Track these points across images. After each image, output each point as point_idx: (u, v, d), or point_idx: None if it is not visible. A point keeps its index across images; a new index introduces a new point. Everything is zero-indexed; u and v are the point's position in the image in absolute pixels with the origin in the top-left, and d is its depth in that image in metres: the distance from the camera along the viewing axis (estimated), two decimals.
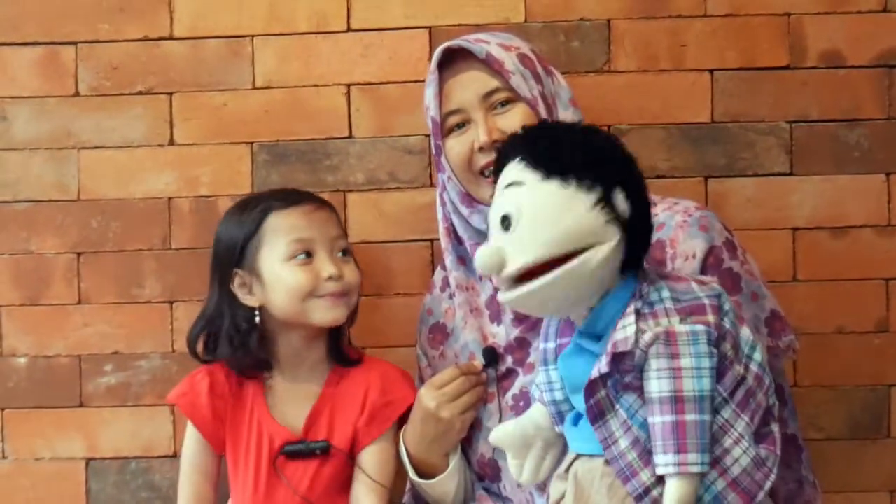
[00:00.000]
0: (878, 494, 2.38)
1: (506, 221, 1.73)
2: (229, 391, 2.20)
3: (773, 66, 2.38)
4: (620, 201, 1.73)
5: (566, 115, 2.10)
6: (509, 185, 1.76)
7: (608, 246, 1.72)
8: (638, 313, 1.72)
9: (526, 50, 2.12)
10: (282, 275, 2.14)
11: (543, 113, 2.07)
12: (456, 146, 2.10)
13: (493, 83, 2.07)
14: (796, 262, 2.37)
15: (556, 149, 1.75)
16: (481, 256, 1.73)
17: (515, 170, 1.77)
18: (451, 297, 2.21)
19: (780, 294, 2.12)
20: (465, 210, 2.14)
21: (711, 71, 2.38)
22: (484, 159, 2.08)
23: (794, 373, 2.35)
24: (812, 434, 2.34)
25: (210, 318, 2.21)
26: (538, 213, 1.71)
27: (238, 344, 2.17)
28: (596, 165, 1.73)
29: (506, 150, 1.82)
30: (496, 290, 2.10)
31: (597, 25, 2.39)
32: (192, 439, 2.21)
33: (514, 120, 2.06)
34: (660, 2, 2.38)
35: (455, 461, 2.12)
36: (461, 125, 2.10)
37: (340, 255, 2.17)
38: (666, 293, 1.75)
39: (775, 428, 1.78)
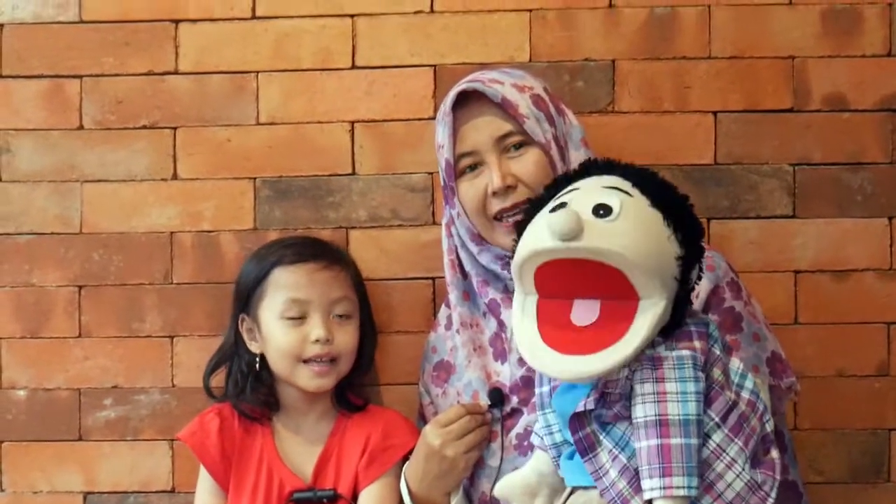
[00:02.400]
0: None
1: (604, 210, 1.69)
2: (238, 432, 2.22)
3: (776, 109, 2.38)
4: (695, 273, 1.75)
5: (577, 155, 2.10)
6: (612, 187, 1.75)
7: (661, 304, 1.71)
8: None
9: (539, 90, 2.12)
10: (274, 331, 2.18)
11: (556, 155, 2.07)
12: (470, 190, 2.10)
13: (507, 126, 2.07)
14: (798, 304, 2.37)
15: (666, 187, 1.77)
16: (562, 216, 1.65)
17: (620, 181, 1.76)
18: (457, 332, 2.21)
19: (782, 337, 2.12)
20: (473, 247, 2.14)
21: (715, 113, 2.39)
22: (498, 204, 2.09)
23: (794, 416, 2.35)
24: (812, 477, 2.34)
25: (224, 355, 2.26)
26: (640, 224, 1.71)
27: (240, 387, 2.21)
28: (692, 229, 1.75)
29: (605, 165, 1.83)
30: (500, 327, 2.11)
31: (601, 66, 2.39)
32: (204, 481, 2.23)
33: (527, 164, 2.07)
34: (664, 43, 2.39)
35: (456, 501, 2.11)
36: (473, 167, 2.10)
37: (338, 317, 2.18)
38: None
39: (776, 454, 1.77)
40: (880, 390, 2.37)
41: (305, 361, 2.17)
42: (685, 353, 1.72)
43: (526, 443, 2.06)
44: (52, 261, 2.43)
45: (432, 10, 2.41)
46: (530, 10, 2.40)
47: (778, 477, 1.75)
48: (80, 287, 2.43)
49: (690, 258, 1.74)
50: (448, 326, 2.25)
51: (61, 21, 2.44)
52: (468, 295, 2.20)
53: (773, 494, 1.73)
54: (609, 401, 1.73)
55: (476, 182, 2.10)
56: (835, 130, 2.38)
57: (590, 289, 1.71)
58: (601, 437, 1.74)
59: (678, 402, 1.69)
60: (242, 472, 2.20)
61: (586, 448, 1.75)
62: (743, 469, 1.71)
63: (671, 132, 2.38)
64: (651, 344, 1.74)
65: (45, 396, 2.43)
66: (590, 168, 1.84)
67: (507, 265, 2.00)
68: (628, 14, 2.39)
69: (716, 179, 2.38)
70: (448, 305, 2.26)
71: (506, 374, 2.12)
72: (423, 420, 2.25)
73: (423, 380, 2.28)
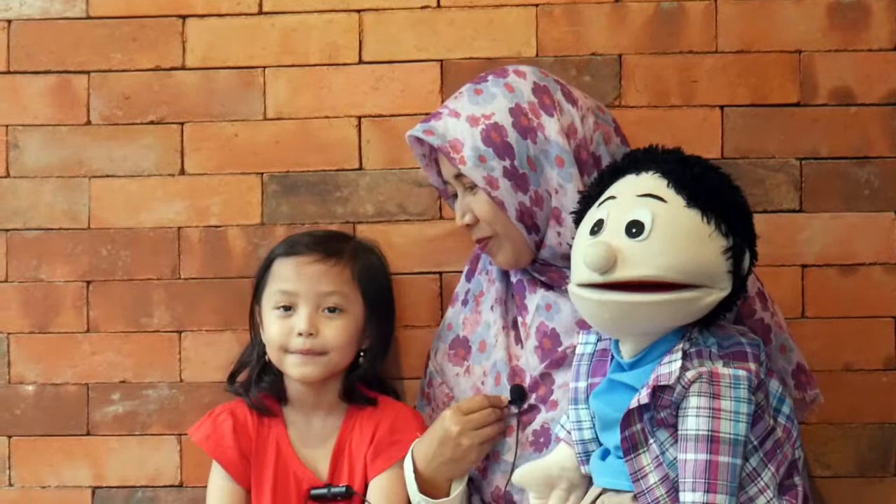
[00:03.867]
0: None
1: (636, 228, 1.74)
2: (253, 429, 2.21)
3: (783, 103, 2.38)
4: (746, 259, 1.77)
5: (551, 174, 2.06)
6: (646, 195, 1.77)
7: (719, 294, 1.75)
8: (684, 353, 1.75)
9: (502, 114, 2.07)
10: (267, 321, 2.19)
11: (509, 188, 2.05)
12: (456, 213, 2.17)
13: (456, 169, 2.09)
14: (805, 298, 2.37)
15: (705, 182, 1.78)
16: (595, 250, 1.73)
17: (655, 183, 1.79)
18: (491, 308, 2.21)
19: (789, 331, 2.12)
20: None
21: (722, 107, 2.39)
22: (473, 235, 2.14)
23: None
24: (819, 471, 2.34)
25: (248, 350, 2.27)
26: (675, 235, 1.74)
27: (253, 378, 2.22)
28: (737, 216, 1.78)
29: (643, 158, 1.85)
30: (521, 311, 2.13)
31: (608, 60, 2.40)
32: (218, 479, 2.21)
33: (479, 203, 2.09)
34: (671, 37, 2.39)
35: (459, 490, 2.11)
36: (456, 194, 2.15)
37: (327, 311, 2.17)
38: (712, 340, 1.79)
39: (799, 481, 1.80)
40: (888, 384, 2.37)
41: (292, 353, 2.17)
42: (742, 373, 1.74)
43: (542, 440, 2.07)
44: (60, 256, 2.44)
45: (439, 6, 2.41)
46: (537, 5, 2.40)
47: None
48: (88, 282, 2.44)
49: (740, 246, 1.76)
50: (465, 302, 2.26)
51: (69, 17, 2.44)
52: (507, 273, 2.20)
53: None
54: (659, 404, 1.74)
55: (457, 208, 2.16)
56: (841, 125, 2.38)
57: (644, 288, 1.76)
58: (649, 439, 1.75)
59: (731, 420, 1.71)
60: (261, 469, 2.20)
61: (630, 447, 1.76)
62: (773, 496, 1.74)
63: (678, 126, 2.37)
64: (709, 357, 1.75)
65: (53, 391, 2.44)
66: (630, 163, 1.86)
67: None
68: (635, 9, 2.39)
69: None
70: (467, 279, 2.27)
71: (524, 359, 2.13)
72: (427, 400, 2.26)
73: (436, 360, 2.27)
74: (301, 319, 2.16)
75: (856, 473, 2.37)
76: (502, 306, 2.19)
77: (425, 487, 2.12)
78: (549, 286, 2.12)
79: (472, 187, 2.08)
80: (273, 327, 2.18)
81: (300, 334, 2.15)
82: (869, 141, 2.38)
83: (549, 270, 2.11)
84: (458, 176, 2.09)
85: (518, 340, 2.15)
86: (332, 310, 2.18)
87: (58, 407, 2.43)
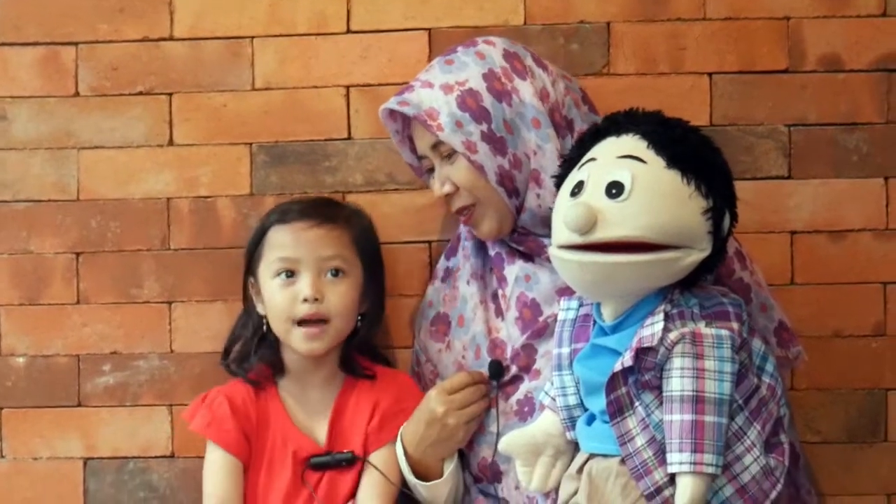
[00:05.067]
0: (875, 498, 2.38)
1: (616, 188, 1.74)
2: (252, 408, 2.20)
3: (771, 70, 2.38)
4: (727, 220, 1.77)
5: (529, 136, 2.07)
6: (626, 156, 1.77)
7: (699, 255, 1.75)
8: (666, 314, 1.76)
9: (476, 80, 2.08)
10: (269, 291, 2.18)
11: (488, 152, 2.05)
12: (434, 186, 2.15)
13: (433, 137, 2.08)
14: (794, 265, 2.38)
15: (685, 143, 1.79)
16: (575, 210, 1.74)
17: (635, 144, 1.79)
18: (468, 283, 2.21)
19: (778, 297, 2.13)
20: None
21: (710, 74, 2.39)
22: (453, 205, 2.13)
23: (791, 376, 2.35)
24: (809, 437, 2.35)
25: (241, 323, 2.25)
26: (654, 195, 1.74)
27: (249, 350, 2.21)
28: (716, 176, 1.78)
29: (624, 120, 1.85)
30: (501, 283, 2.11)
31: (596, 28, 2.39)
32: (217, 455, 2.18)
33: (459, 171, 2.08)
34: (659, 5, 2.39)
35: (451, 469, 2.12)
36: (431, 169, 2.15)
37: (332, 276, 2.17)
38: (693, 300, 1.80)
39: (784, 438, 1.80)
40: (877, 350, 2.38)
41: (299, 324, 2.15)
42: (724, 332, 1.75)
43: (527, 409, 2.07)
44: (50, 228, 2.44)
45: None
46: None
47: (787, 463, 1.79)
48: (78, 254, 2.44)
49: (720, 207, 1.76)
50: (444, 279, 2.26)
51: None
52: (484, 247, 2.21)
53: (782, 481, 1.77)
54: (643, 367, 1.75)
55: (433, 182, 2.15)
56: (830, 91, 2.38)
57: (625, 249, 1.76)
58: (634, 402, 1.76)
59: (715, 380, 1.72)
60: (261, 443, 2.19)
61: (616, 411, 1.76)
62: (760, 454, 1.74)
63: (666, 94, 2.37)
64: (691, 317, 1.76)
65: (44, 363, 2.44)
66: (610, 126, 1.86)
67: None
68: None
69: None
70: (447, 257, 2.27)
71: (504, 331, 2.13)
72: (417, 378, 2.27)
73: (420, 338, 2.28)
74: (305, 285, 2.15)
75: (845, 439, 2.38)
76: (479, 281, 2.19)
77: (418, 469, 2.13)
78: (527, 257, 2.13)
79: (450, 156, 2.08)
80: (276, 297, 2.16)
81: (305, 300, 2.14)
82: (857, 107, 2.38)
83: (527, 240, 2.12)
84: (435, 146, 2.09)
85: (499, 312, 2.15)
86: (335, 273, 2.17)
87: (48, 379, 2.44)
